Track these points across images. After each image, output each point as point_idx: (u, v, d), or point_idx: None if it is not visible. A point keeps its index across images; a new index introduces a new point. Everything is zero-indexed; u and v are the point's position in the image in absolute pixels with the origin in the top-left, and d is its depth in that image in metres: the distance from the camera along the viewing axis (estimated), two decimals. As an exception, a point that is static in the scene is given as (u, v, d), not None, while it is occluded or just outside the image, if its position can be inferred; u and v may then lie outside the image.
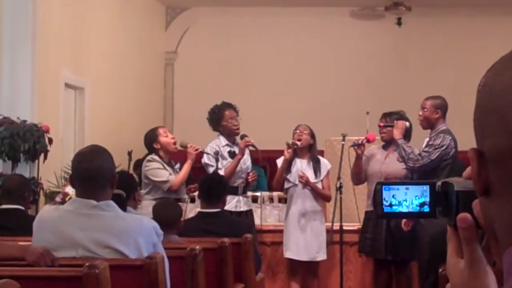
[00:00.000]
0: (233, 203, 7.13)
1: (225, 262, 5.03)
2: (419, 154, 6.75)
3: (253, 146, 7.34)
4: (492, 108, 1.02)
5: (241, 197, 7.33)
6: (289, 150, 7.33)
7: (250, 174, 7.41)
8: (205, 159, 7.32)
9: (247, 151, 7.48)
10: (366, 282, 7.91)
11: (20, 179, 6.07)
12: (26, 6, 8.49)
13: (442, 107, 6.88)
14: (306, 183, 7.32)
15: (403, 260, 7.18)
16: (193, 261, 4.32)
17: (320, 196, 7.47)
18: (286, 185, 7.50)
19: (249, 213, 7.43)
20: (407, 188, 1.22)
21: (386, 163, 7.14)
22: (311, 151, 7.51)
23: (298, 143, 7.36)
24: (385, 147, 7.26)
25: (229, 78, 13.08)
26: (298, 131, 7.46)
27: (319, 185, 7.46)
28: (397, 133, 6.97)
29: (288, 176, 7.44)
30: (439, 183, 1.19)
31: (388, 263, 7.24)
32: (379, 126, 7.21)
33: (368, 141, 7.27)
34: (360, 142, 7.13)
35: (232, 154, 7.31)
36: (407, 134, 7.08)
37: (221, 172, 7.13)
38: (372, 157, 7.25)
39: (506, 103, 1.00)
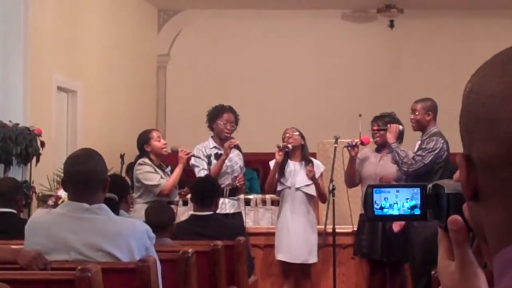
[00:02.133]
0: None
1: (218, 265, 5.03)
2: (413, 158, 6.76)
3: (237, 147, 7.33)
4: (480, 116, 1.01)
5: (226, 200, 7.30)
6: (280, 153, 7.33)
7: (238, 177, 7.40)
8: (192, 161, 7.34)
9: (238, 154, 7.47)
10: (359, 284, 7.91)
11: (12, 182, 6.05)
12: (18, 9, 8.48)
13: (433, 109, 6.90)
14: (312, 178, 7.31)
15: (398, 262, 7.18)
16: (185, 264, 4.32)
17: (319, 194, 7.45)
18: (279, 188, 7.49)
19: (236, 216, 7.40)
20: (397, 191, 1.22)
21: (380, 165, 7.14)
22: (302, 152, 7.51)
23: (290, 145, 7.36)
24: (378, 150, 7.26)
25: (222, 81, 13.08)
26: (287, 135, 7.46)
27: (312, 186, 7.44)
28: (390, 137, 6.97)
29: (281, 179, 7.44)
30: (429, 185, 1.19)
31: (382, 265, 7.24)
32: (373, 130, 7.20)
33: (362, 143, 7.27)
34: (354, 143, 7.13)
35: (219, 157, 7.31)
36: (399, 136, 7.09)
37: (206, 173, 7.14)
38: (366, 159, 7.26)
39: (494, 110, 0.99)
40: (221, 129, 7.41)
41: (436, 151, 6.73)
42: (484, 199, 1.04)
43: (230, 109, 7.52)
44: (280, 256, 7.48)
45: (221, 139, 7.42)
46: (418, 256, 6.66)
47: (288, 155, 7.43)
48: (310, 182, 7.41)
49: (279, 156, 7.33)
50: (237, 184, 7.35)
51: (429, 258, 6.17)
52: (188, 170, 7.51)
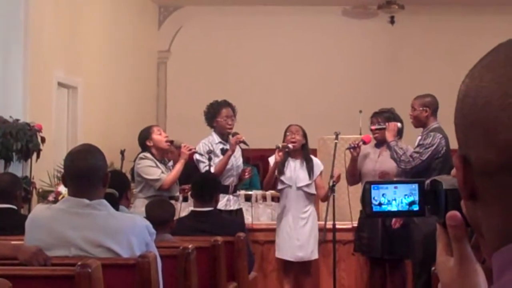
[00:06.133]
0: (223, 202, 7.11)
1: (218, 261, 5.03)
2: (411, 156, 6.75)
3: (244, 142, 7.34)
4: (477, 121, 1.00)
5: (231, 196, 7.33)
6: (280, 153, 7.28)
7: (247, 170, 7.42)
8: (196, 156, 7.34)
9: (239, 150, 7.48)
10: (359, 280, 7.92)
11: (11, 178, 6.01)
12: (18, 5, 8.47)
13: (430, 105, 6.88)
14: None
15: (398, 258, 7.18)
16: (185, 260, 4.32)
17: (321, 197, 7.46)
18: (280, 186, 7.45)
19: (239, 212, 7.43)
20: (396, 187, 1.22)
21: (379, 161, 7.13)
22: (303, 151, 7.48)
23: (290, 145, 7.31)
24: (377, 146, 7.25)
25: (222, 77, 13.08)
26: (290, 133, 7.41)
27: (313, 185, 7.43)
28: (389, 135, 6.95)
29: (281, 177, 7.40)
30: (428, 181, 1.19)
31: (383, 262, 7.23)
32: (371, 130, 7.21)
33: (364, 142, 7.24)
34: (355, 144, 7.11)
35: (224, 152, 7.32)
36: (398, 132, 7.08)
37: (212, 169, 7.14)
38: (365, 156, 7.24)
39: (492, 117, 0.98)
40: (223, 125, 7.41)
41: (434, 146, 6.71)
42: (481, 200, 1.03)
43: (226, 104, 7.51)
44: (281, 254, 7.46)
45: (223, 134, 7.43)
46: (418, 253, 6.66)
47: (288, 153, 7.40)
48: (310, 181, 7.38)
49: (279, 157, 7.27)
50: (247, 176, 7.40)
51: (429, 255, 6.18)
52: (194, 166, 7.49)
